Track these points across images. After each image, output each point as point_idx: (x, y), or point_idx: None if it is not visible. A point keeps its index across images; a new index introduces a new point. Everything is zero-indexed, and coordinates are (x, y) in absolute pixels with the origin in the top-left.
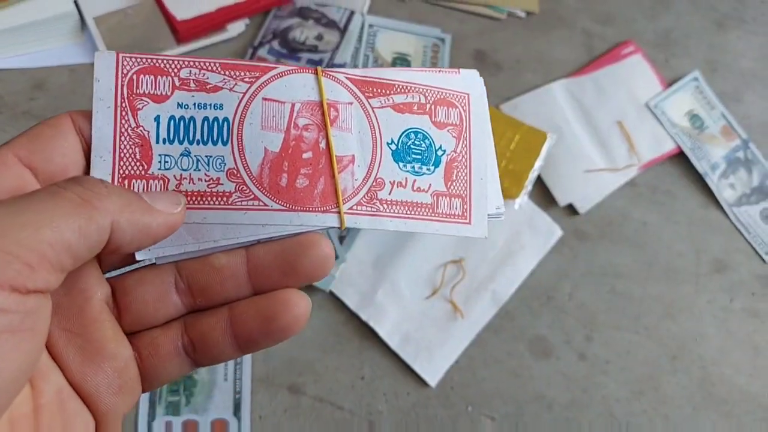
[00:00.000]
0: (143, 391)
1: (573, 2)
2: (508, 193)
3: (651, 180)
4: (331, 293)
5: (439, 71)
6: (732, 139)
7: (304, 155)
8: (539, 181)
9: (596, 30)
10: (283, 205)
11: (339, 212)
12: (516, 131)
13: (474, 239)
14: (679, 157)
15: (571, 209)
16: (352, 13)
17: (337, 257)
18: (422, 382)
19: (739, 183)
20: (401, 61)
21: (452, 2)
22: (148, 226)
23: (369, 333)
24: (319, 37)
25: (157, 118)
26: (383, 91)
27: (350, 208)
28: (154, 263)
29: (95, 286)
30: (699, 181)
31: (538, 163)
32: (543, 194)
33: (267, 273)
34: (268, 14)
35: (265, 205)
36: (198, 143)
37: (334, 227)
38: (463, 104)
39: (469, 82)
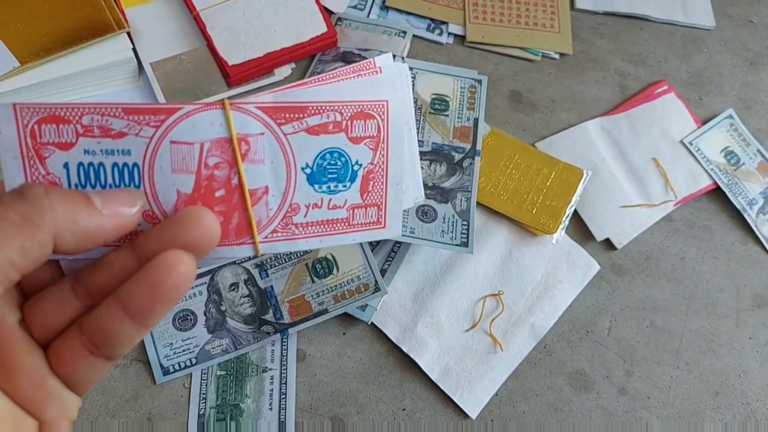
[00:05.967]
0: (79, 395)
1: (605, 44)
2: (546, 229)
3: (688, 215)
4: (373, 324)
5: (358, 75)
6: None
7: (217, 194)
8: (576, 217)
9: (629, 70)
10: None
11: (254, 243)
12: (552, 169)
13: (511, 272)
14: (716, 193)
15: (608, 244)
16: (393, 56)
17: (378, 290)
18: (463, 414)
19: None
20: (440, 101)
21: (488, 45)
22: (94, 232)
23: (410, 364)
24: None
25: (66, 165)
26: (296, 115)
27: (265, 237)
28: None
29: (4, 312)
30: (737, 216)
31: (574, 199)
32: (580, 229)
33: (153, 253)
34: (312, 59)
35: None
36: (110, 188)
37: (250, 257)
38: (381, 113)
39: (391, 80)
